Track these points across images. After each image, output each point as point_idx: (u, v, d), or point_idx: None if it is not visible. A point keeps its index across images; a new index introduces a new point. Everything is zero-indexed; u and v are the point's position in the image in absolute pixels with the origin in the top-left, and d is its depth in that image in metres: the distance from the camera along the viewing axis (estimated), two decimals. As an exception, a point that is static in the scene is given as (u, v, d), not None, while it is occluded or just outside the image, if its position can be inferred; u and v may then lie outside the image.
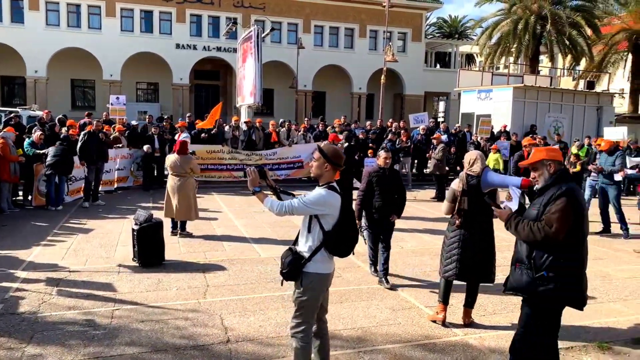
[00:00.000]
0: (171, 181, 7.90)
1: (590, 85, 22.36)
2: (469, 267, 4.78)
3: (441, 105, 24.78)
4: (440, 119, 22.40)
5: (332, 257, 3.52)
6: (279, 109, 30.94)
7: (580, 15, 25.99)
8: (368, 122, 18.12)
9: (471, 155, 4.93)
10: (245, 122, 15.01)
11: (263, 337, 4.55)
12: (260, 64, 16.57)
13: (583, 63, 29.13)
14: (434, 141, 13.67)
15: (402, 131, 15.19)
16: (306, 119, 17.37)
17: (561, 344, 4.55)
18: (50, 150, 9.98)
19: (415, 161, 16.31)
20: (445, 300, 4.99)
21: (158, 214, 7.93)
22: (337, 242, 3.43)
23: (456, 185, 4.88)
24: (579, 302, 3.41)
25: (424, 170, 16.16)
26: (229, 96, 29.93)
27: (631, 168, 8.74)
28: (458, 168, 15.50)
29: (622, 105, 30.85)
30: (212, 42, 28.99)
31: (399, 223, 6.11)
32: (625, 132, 13.55)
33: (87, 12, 27.07)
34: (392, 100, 34.57)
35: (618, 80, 32.23)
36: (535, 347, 3.50)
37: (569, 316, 5.23)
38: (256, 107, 18.35)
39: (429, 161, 14.17)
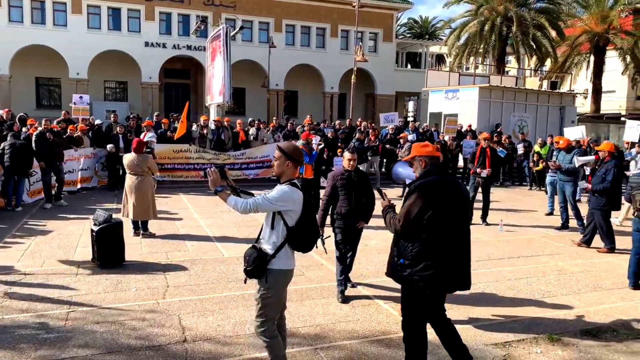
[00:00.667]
0: (129, 180, 7.81)
1: (554, 85, 22.98)
2: None
3: (410, 105, 25.15)
4: (411, 119, 22.69)
5: (294, 252, 3.59)
6: (251, 108, 30.80)
7: (545, 17, 26.65)
8: (337, 121, 18.21)
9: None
10: (214, 121, 14.90)
11: (220, 337, 4.54)
12: (229, 62, 16.45)
13: (548, 64, 29.86)
14: (401, 140, 13.84)
15: (370, 130, 15.33)
16: (274, 118, 17.33)
17: (513, 337, 4.70)
18: (6, 148, 9.68)
19: (384, 160, 16.44)
20: None
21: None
22: (301, 237, 3.51)
23: None
24: (436, 288, 3.56)
25: (393, 169, 16.32)
26: (199, 95, 29.63)
27: (583, 166, 9.07)
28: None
29: (584, 105, 31.77)
30: (182, 40, 28.64)
31: (364, 221, 6.05)
32: (583, 131, 13.99)
33: (52, 9, 26.39)
34: (364, 100, 34.77)
35: (581, 80, 33.16)
36: (408, 329, 3.74)
37: (522, 310, 5.41)
38: (228, 106, 18.25)
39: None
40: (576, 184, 9.35)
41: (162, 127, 14.07)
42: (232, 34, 18.07)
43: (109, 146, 12.43)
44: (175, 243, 7.80)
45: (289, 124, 15.78)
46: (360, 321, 5.00)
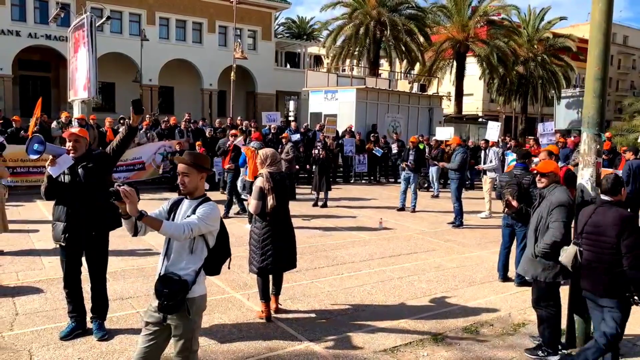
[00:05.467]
0: (-31, 190, 6.63)
1: (423, 88, 24.52)
2: (283, 257, 5.00)
3: (291, 105, 25.30)
4: (292, 118, 22.76)
5: None
6: (122, 104, 28.57)
7: (414, 24, 28.25)
8: (218, 120, 17.55)
9: (267, 153, 5.09)
10: (77, 119, 13.47)
11: (82, 372, 3.92)
12: (95, 54, 14.98)
13: (417, 67, 31.84)
14: (283, 140, 13.70)
15: (252, 130, 14.96)
16: (148, 115, 16.18)
17: (400, 340, 4.69)
18: None
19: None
20: (267, 297, 5.10)
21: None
22: (218, 258, 3.26)
23: (262, 183, 4.95)
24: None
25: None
26: (62, 89, 26.84)
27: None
28: (307, 167, 15.76)
29: (449, 107, 34.50)
30: (39, 29, 25.67)
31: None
32: (452, 132, 15.04)
33: None
34: (244, 98, 34.23)
35: (445, 84, 35.96)
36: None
37: (407, 310, 5.47)
38: (95, 102, 16.69)
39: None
40: (462, 180, 10.15)
41: (14, 125, 12.36)
42: (97, 23, 16.55)
43: (-58, 148, 10.57)
44: (30, 260, 6.75)
45: (162, 123, 14.80)
46: (246, 337, 4.66)
